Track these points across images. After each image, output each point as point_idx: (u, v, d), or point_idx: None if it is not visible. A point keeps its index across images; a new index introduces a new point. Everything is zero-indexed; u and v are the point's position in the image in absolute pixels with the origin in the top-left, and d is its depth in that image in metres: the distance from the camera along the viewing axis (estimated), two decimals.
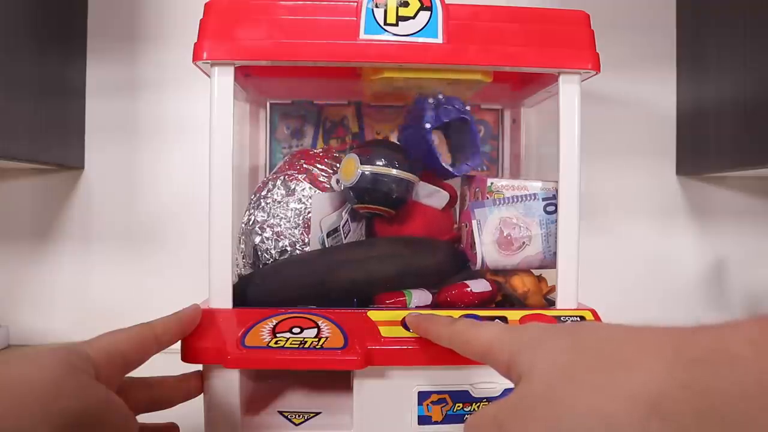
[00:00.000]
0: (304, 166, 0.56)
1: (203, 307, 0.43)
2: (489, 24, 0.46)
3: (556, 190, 0.48)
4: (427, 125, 0.52)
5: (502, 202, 0.50)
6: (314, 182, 0.54)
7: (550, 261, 0.50)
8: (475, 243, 0.50)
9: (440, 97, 0.53)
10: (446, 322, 0.37)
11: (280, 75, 0.55)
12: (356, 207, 0.53)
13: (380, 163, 0.51)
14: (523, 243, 0.49)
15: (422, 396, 0.43)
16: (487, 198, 0.50)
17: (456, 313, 0.45)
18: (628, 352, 0.25)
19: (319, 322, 0.43)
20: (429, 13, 0.45)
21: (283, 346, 0.41)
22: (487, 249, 0.50)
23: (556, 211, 0.48)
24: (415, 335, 0.42)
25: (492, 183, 0.51)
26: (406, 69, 0.46)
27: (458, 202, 0.61)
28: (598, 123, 0.73)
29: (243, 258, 0.55)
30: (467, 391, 0.43)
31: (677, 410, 0.21)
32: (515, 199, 0.50)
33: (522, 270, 0.51)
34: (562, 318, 0.45)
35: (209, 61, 0.44)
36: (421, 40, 0.45)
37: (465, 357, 0.34)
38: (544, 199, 0.49)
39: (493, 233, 0.49)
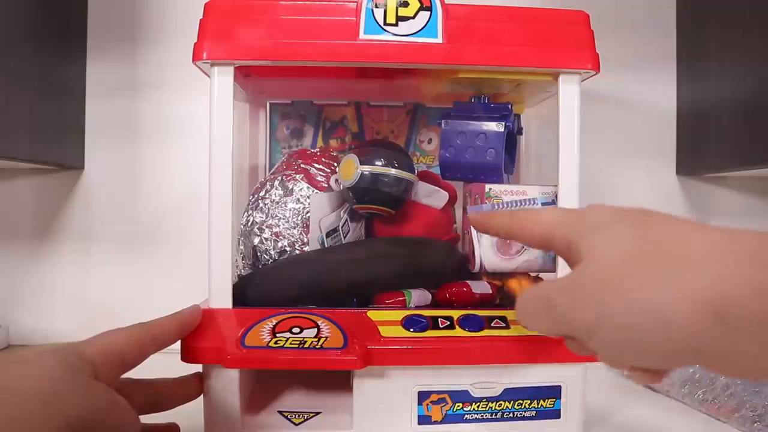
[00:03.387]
0: (302, 166, 0.56)
1: (203, 307, 0.43)
2: (489, 24, 0.46)
3: (556, 195, 0.48)
4: (505, 128, 0.52)
5: (500, 206, 0.50)
6: (312, 182, 0.54)
7: (549, 266, 0.50)
8: (473, 243, 0.50)
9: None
10: (507, 213, 0.36)
11: (279, 75, 0.55)
12: (356, 207, 0.53)
13: (379, 163, 0.51)
14: (522, 247, 0.49)
15: (422, 396, 0.43)
16: (486, 203, 0.50)
17: (456, 313, 0.45)
18: (697, 248, 0.23)
19: (319, 322, 0.43)
20: (429, 13, 0.45)
21: (282, 346, 0.41)
22: (485, 252, 0.50)
23: None
24: (416, 336, 0.43)
25: (490, 189, 0.51)
26: (479, 70, 0.47)
27: (461, 209, 0.60)
28: (598, 123, 0.73)
29: (242, 259, 0.55)
30: (467, 391, 0.43)
31: (743, 315, 0.20)
32: (514, 204, 0.50)
33: (519, 272, 0.51)
34: None
35: (209, 61, 0.44)
36: (420, 40, 0.45)
37: (526, 244, 0.35)
38: (543, 204, 0.49)
39: (492, 237, 0.49)
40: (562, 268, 0.46)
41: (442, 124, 0.55)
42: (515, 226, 0.34)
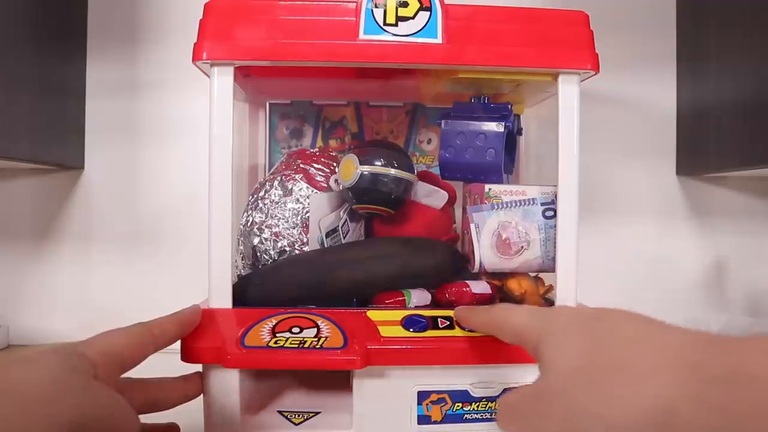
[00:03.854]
0: (301, 166, 0.56)
1: (203, 307, 0.43)
2: (488, 24, 0.46)
3: (555, 196, 0.48)
4: (505, 128, 0.53)
5: (500, 206, 0.50)
6: (311, 182, 0.54)
7: (548, 266, 0.50)
8: (473, 244, 0.50)
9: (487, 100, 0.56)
10: (486, 309, 0.40)
11: (279, 75, 0.55)
12: (355, 207, 0.53)
13: (379, 163, 0.51)
14: (522, 247, 0.49)
15: (422, 396, 0.43)
16: (486, 203, 0.50)
17: (454, 313, 0.45)
18: (645, 360, 0.25)
19: (319, 322, 0.43)
20: (428, 13, 0.45)
21: (282, 346, 0.41)
22: (485, 252, 0.50)
23: (555, 216, 0.48)
24: (415, 336, 0.43)
25: (490, 189, 0.51)
26: (479, 70, 0.47)
27: (460, 209, 0.61)
28: (598, 123, 0.73)
29: (242, 259, 0.55)
30: (467, 391, 0.43)
31: (688, 426, 0.22)
32: (514, 204, 0.50)
33: (518, 272, 0.51)
34: None
35: (209, 62, 0.44)
36: (420, 40, 0.45)
37: (505, 341, 0.36)
38: (542, 204, 0.49)
39: (492, 237, 0.49)
40: (563, 264, 0.47)
41: (442, 125, 0.56)
42: (492, 323, 0.38)
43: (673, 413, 0.22)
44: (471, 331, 0.43)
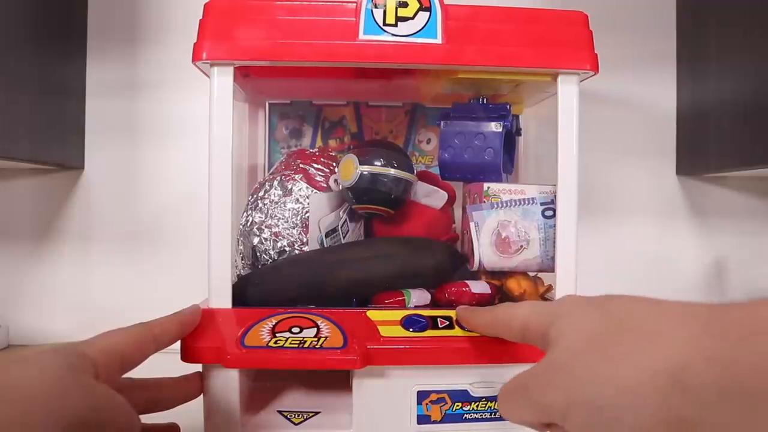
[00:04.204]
0: (301, 166, 0.56)
1: (202, 307, 0.43)
2: (488, 24, 0.46)
3: (554, 195, 0.48)
4: (503, 128, 0.53)
5: (500, 205, 0.50)
6: (311, 182, 0.54)
7: (548, 265, 0.50)
8: (473, 243, 0.50)
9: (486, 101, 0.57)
10: (488, 310, 0.39)
11: (279, 75, 0.55)
12: (355, 207, 0.53)
13: (379, 163, 0.51)
14: (521, 246, 0.49)
15: (421, 395, 0.43)
16: (485, 201, 0.50)
17: (455, 313, 0.45)
18: (655, 323, 0.24)
19: (319, 322, 0.43)
20: (428, 13, 0.45)
21: (282, 346, 0.41)
22: (484, 251, 0.50)
23: (554, 216, 0.48)
24: (415, 335, 0.43)
25: (489, 187, 0.51)
26: (479, 71, 0.47)
27: (460, 209, 0.61)
28: (598, 123, 0.73)
29: (242, 259, 0.55)
30: (466, 391, 0.43)
31: (700, 383, 0.21)
32: (513, 203, 0.50)
33: (517, 272, 0.51)
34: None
35: (208, 62, 0.44)
36: (420, 40, 0.45)
37: (512, 341, 0.35)
38: (542, 204, 0.49)
39: (491, 235, 0.50)
40: (562, 264, 0.47)
41: (441, 125, 0.56)
42: (497, 321, 0.37)
43: (685, 370, 0.22)
44: (471, 330, 0.43)
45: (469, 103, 0.56)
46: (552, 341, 0.29)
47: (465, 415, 0.44)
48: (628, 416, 0.23)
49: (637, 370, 0.23)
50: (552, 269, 0.48)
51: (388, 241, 0.54)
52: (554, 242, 0.48)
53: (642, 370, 0.23)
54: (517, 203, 0.50)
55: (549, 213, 0.49)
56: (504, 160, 0.54)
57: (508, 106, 0.54)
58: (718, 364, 0.21)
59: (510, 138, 0.56)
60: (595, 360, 0.25)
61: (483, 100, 0.56)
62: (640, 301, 0.27)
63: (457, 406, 0.43)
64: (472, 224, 0.50)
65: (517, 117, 0.58)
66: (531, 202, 0.50)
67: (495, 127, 0.53)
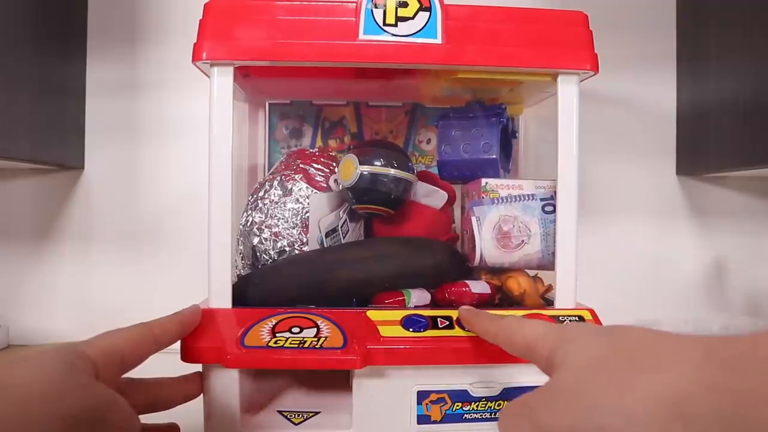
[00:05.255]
0: (301, 166, 0.56)
1: (202, 307, 0.43)
2: (488, 24, 0.46)
3: (554, 191, 0.48)
4: (499, 122, 0.54)
5: (500, 200, 0.50)
6: (311, 182, 0.54)
7: (548, 261, 0.50)
8: (474, 241, 0.50)
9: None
10: (493, 319, 0.38)
11: (279, 75, 0.55)
12: (355, 207, 0.53)
13: (378, 163, 0.51)
14: (522, 241, 0.49)
15: (421, 395, 0.43)
16: (483, 197, 0.51)
17: (455, 313, 0.45)
18: (659, 353, 0.25)
19: (319, 322, 0.43)
20: (428, 13, 0.45)
21: (282, 346, 0.41)
22: (486, 246, 0.50)
23: (554, 211, 0.48)
24: (415, 335, 0.43)
25: (486, 183, 0.51)
26: (478, 71, 0.47)
27: (459, 209, 0.61)
28: (598, 123, 0.73)
29: (242, 259, 0.55)
30: (466, 391, 0.43)
31: (701, 412, 0.22)
32: (514, 199, 0.50)
33: (517, 272, 0.51)
34: (560, 318, 0.45)
35: (208, 62, 0.44)
36: (420, 40, 0.45)
37: (511, 354, 0.35)
38: (542, 200, 0.50)
39: (492, 230, 0.50)
40: (562, 264, 0.47)
41: (439, 125, 0.56)
42: (500, 333, 0.36)
43: (688, 399, 0.22)
44: (468, 329, 0.43)
45: (466, 105, 0.57)
46: (558, 365, 0.29)
47: (465, 415, 0.44)
48: None
49: (641, 400, 0.23)
50: (552, 265, 0.48)
51: (388, 241, 0.54)
52: (555, 237, 0.48)
53: (646, 400, 0.23)
54: (518, 199, 0.50)
55: (549, 208, 0.49)
56: (501, 159, 0.54)
57: (504, 106, 0.55)
58: (718, 392, 0.21)
59: (506, 138, 0.56)
60: (602, 386, 0.25)
61: (480, 102, 0.57)
62: (647, 331, 0.28)
63: (457, 406, 0.43)
64: (473, 219, 0.50)
65: (513, 119, 0.58)
66: (531, 198, 0.50)
67: (491, 122, 0.53)
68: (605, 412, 0.24)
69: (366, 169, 0.51)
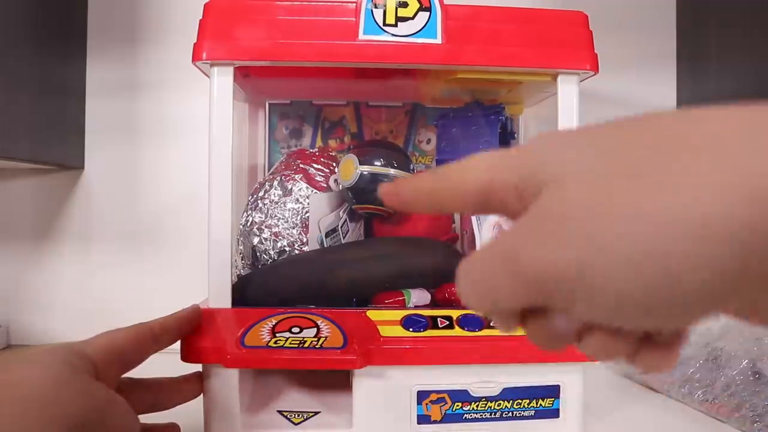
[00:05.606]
0: (301, 166, 0.56)
1: (202, 307, 0.43)
2: (488, 24, 0.46)
3: None
4: (498, 120, 0.54)
5: None
6: (311, 182, 0.54)
7: None
8: (474, 241, 0.50)
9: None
10: (427, 175, 0.24)
11: (279, 75, 0.55)
12: (355, 207, 0.53)
13: (378, 163, 0.51)
14: None
15: (421, 395, 0.43)
16: None
17: (455, 313, 0.45)
18: (710, 135, 0.17)
19: (319, 322, 0.43)
20: (428, 13, 0.45)
21: (282, 346, 0.41)
22: (485, 237, 0.50)
23: None
24: (415, 335, 0.43)
25: None
26: (478, 71, 0.47)
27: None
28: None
29: (242, 259, 0.55)
30: (466, 390, 0.43)
31: None
32: None
33: None
34: None
35: (208, 62, 0.44)
36: (420, 40, 0.45)
37: (461, 211, 0.26)
38: None
39: (493, 230, 0.50)
40: None
41: (438, 125, 0.56)
42: (442, 188, 0.23)
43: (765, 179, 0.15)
44: (467, 329, 0.43)
45: (465, 105, 0.57)
46: (545, 185, 0.19)
47: (465, 415, 0.44)
48: (690, 260, 0.15)
49: (706, 189, 0.15)
50: None
51: (388, 241, 0.54)
52: None
53: (716, 190, 0.15)
54: None
55: None
56: None
57: (502, 106, 0.55)
58: None
59: (504, 138, 0.56)
60: (631, 188, 0.16)
61: (479, 103, 0.57)
62: (673, 113, 0.18)
63: (457, 406, 0.43)
64: (473, 219, 0.50)
65: (512, 119, 0.58)
66: None
67: (490, 121, 0.54)
68: (644, 219, 0.16)
69: (366, 169, 0.51)
